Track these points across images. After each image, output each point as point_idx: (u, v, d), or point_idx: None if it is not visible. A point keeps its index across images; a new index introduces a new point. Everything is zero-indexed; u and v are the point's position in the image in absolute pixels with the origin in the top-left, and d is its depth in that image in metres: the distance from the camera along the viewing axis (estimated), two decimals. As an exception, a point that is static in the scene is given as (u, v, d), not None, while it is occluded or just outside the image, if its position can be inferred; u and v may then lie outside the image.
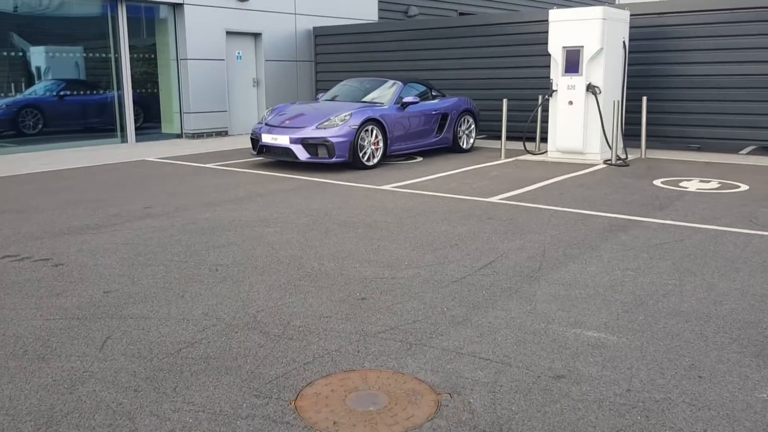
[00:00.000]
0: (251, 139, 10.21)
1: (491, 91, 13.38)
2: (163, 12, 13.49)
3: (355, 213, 6.84)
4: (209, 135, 14.17)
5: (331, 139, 9.39)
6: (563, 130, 10.43)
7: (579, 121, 10.28)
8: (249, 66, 15.04)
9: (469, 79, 13.60)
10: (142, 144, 13.01)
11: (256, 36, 14.96)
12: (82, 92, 12.77)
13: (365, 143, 9.74)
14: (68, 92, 12.62)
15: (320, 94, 11.59)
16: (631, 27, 11.31)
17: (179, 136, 14.01)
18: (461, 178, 9.02)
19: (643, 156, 10.81)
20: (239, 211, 6.93)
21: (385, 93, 10.74)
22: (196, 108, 13.84)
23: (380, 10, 17.87)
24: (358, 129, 9.57)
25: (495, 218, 6.58)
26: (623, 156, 10.50)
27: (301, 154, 9.50)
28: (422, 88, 11.33)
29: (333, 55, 15.71)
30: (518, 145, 12.35)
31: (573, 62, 10.25)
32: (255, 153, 10.07)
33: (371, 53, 14.97)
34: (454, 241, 5.71)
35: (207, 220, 6.58)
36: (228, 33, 14.32)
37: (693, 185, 8.31)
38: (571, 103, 10.32)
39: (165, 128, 14.05)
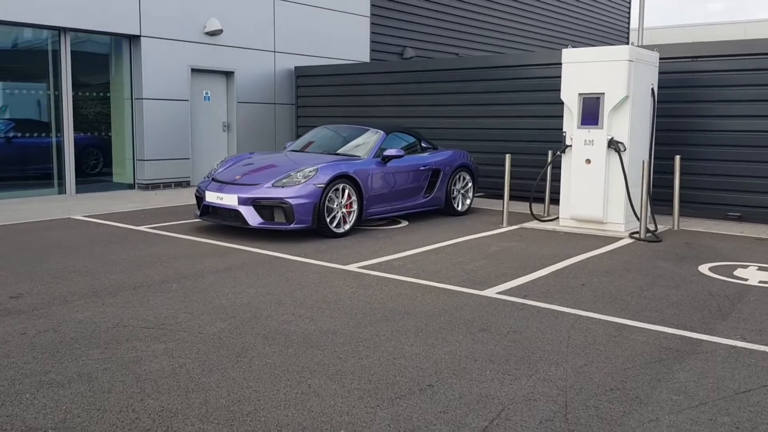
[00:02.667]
0: (196, 196, 8.32)
1: (493, 144, 11.55)
2: (117, 45, 11.79)
3: (297, 313, 4.89)
4: (167, 185, 12.31)
5: (289, 200, 7.50)
6: (579, 193, 8.54)
7: (598, 184, 8.40)
8: (218, 108, 13.29)
9: (467, 129, 11.80)
10: (81, 196, 11.14)
11: (228, 74, 13.24)
12: (23, 134, 10.98)
13: (334, 205, 7.84)
14: (13, 134, 10.83)
15: (289, 143, 9.76)
16: (660, 72, 9.53)
17: (132, 186, 12.16)
18: (452, 253, 7.08)
19: (675, 227, 8.88)
20: (134, 308, 4.98)
21: (364, 144, 8.89)
22: (153, 155, 12.02)
23: (372, 51, 16.23)
24: (326, 188, 7.68)
25: (492, 330, 4.62)
26: (653, 228, 8.58)
27: (252, 218, 7.59)
28: (410, 139, 9.49)
29: (317, 98, 13.98)
30: (523, 207, 10.45)
31: (591, 112, 8.42)
32: (198, 214, 8.17)
33: (360, 97, 13.22)
34: (428, 380, 3.74)
35: (80, 323, 4.62)
36: (194, 70, 12.59)
37: (753, 275, 6.35)
38: (588, 161, 8.45)
39: (117, 177, 12.21)
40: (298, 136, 14.20)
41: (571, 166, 8.62)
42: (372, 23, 16.06)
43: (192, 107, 12.67)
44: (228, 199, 7.68)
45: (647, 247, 7.59)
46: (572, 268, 6.54)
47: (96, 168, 12.51)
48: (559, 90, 9.13)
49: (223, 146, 13.42)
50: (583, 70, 8.42)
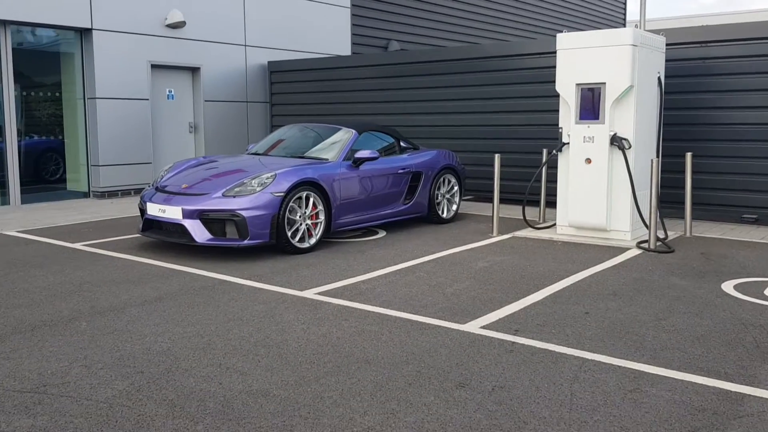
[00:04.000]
0: (139, 208, 7.26)
1: (482, 142, 10.51)
2: (67, 39, 10.71)
3: (225, 364, 3.84)
4: (126, 193, 11.24)
5: (242, 212, 6.44)
6: (578, 197, 7.51)
7: (601, 187, 7.36)
8: (184, 107, 12.22)
9: (453, 126, 10.76)
10: (28, 207, 10.05)
11: (194, 71, 12.17)
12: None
13: (297, 216, 6.79)
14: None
15: (251, 145, 8.70)
16: (665, 60, 8.50)
17: (87, 194, 11.08)
18: (431, 272, 6.04)
19: (687, 233, 7.85)
20: (19, 359, 3.92)
21: (333, 145, 7.84)
22: (109, 159, 10.94)
23: (354, 44, 15.17)
24: (286, 196, 6.64)
25: (472, 385, 3.58)
26: (662, 235, 7.56)
27: (199, 233, 6.52)
28: (387, 139, 8.44)
29: (293, 95, 12.93)
30: (515, 211, 9.42)
31: (591, 105, 7.39)
32: (141, 229, 7.10)
33: (339, 93, 12.17)
34: (379, 474, 2.70)
35: (-63, 386, 3.57)
36: (154, 66, 11.51)
37: (790, 296, 5.33)
38: (588, 161, 7.42)
39: (71, 184, 11.14)
40: (273, 137, 13.16)
41: (569, 166, 7.58)
42: (353, 14, 15.00)
43: (153, 107, 11.60)
44: (171, 212, 6.62)
45: (658, 260, 6.56)
46: (573, 289, 5.51)
47: (56, 174, 11.50)
48: (555, 81, 8.11)
49: (190, 149, 12.36)
50: (581, 57, 7.38)
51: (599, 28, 23.68)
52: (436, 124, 10.94)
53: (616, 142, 7.26)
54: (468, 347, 4.13)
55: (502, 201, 10.08)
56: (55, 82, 10.86)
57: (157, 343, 4.19)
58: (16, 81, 10.16)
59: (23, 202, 10.28)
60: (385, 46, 16.10)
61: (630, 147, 7.29)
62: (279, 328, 4.49)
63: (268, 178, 6.67)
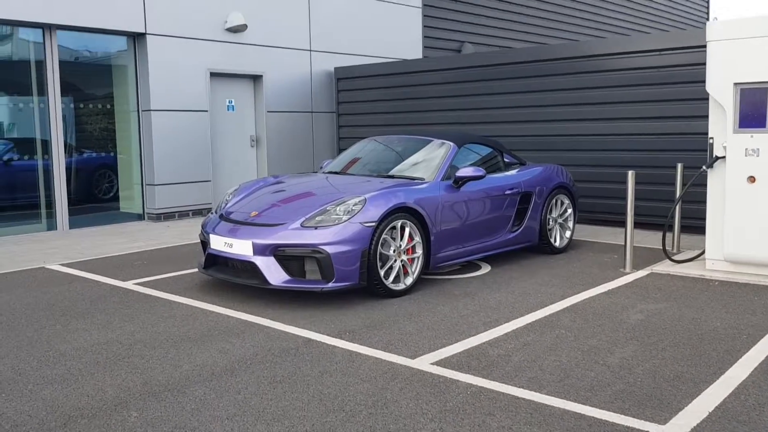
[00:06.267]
0: (200, 240, 6.08)
1: (592, 155, 9.02)
2: (119, 46, 9.72)
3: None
4: (184, 215, 10.15)
5: (325, 247, 5.17)
6: (738, 225, 5.99)
7: (770, 212, 5.85)
8: (245, 119, 11.11)
9: (555, 136, 9.31)
10: (76, 233, 9.02)
11: (256, 79, 11.06)
12: (13, 157, 9.08)
13: (390, 251, 5.49)
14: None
15: (325, 162, 7.45)
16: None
17: (141, 217, 10.04)
18: (574, 328, 4.64)
19: None
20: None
21: (427, 161, 6.51)
22: (165, 178, 9.88)
23: (425, 47, 13.88)
24: (378, 226, 5.35)
25: None
26: None
27: (274, 274, 5.27)
28: (487, 151, 7.09)
29: (362, 104, 11.70)
30: (636, 236, 7.90)
31: (755, 109, 5.88)
32: (202, 265, 5.90)
33: (415, 101, 10.88)
34: None
35: None
36: (213, 75, 10.43)
37: None
38: (752, 179, 5.90)
39: (124, 206, 10.12)
40: (340, 151, 11.93)
41: (725, 185, 6.08)
42: (424, 15, 13.73)
43: (212, 119, 10.51)
44: (240, 247, 5.39)
45: None
46: (782, 358, 4.04)
47: (110, 192, 10.55)
48: (693, 82, 6.64)
49: (252, 165, 11.24)
50: (742, 49, 5.89)
51: (681, 28, 21.82)
52: (530, 134, 9.52)
53: (791, 155, 5.74)
54: (696, 475, 2.74)
55: (617, 224, 8.62)
56: (107, 93, 9.89)
57: (233, 456, 2.92)
58: (66, 94, 9.20)
59: (72, 225, 9.27)
60: (459, 49, 14.77)
61: (809, 161, 5.76)
62: (399, 429, 3.17)
63: (356, 205, 5.39)
